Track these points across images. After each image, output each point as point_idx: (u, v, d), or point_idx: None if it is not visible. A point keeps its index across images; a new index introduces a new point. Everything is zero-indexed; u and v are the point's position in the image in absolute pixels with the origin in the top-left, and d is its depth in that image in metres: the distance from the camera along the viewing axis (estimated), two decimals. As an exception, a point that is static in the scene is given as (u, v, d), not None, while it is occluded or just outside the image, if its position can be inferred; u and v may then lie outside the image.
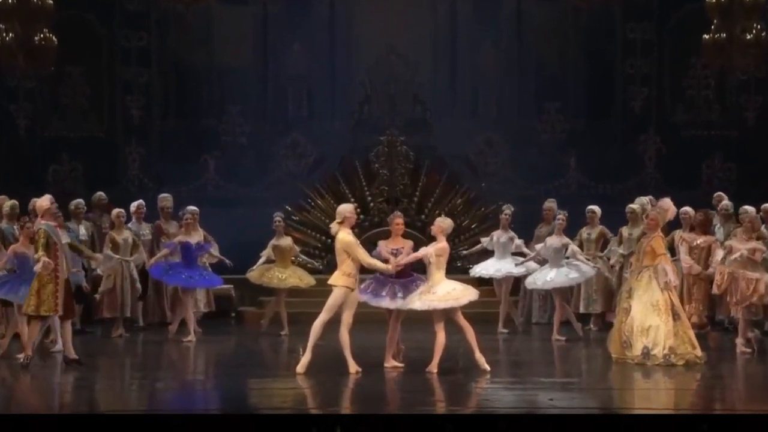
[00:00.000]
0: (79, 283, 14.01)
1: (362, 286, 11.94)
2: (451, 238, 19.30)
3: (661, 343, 11.72)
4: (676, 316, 11.87)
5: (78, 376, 11.23)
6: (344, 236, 11.42)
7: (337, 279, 11.45)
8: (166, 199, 16.36)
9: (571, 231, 15.39)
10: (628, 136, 19.93)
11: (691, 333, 12.04)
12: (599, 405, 9.72)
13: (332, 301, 11.39)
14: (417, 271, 12.12)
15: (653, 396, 10.37)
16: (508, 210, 15.62)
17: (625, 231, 15.38)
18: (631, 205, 14.87)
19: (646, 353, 11.72)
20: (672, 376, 11.13)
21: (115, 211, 15.40)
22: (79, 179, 19.26)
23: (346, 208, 11.66)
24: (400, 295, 11.78)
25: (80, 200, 15.84)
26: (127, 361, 13.04)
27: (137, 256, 15.22)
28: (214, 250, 15.37)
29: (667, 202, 12.38)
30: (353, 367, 11.26)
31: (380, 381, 10.98)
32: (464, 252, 16.35)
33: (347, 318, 11.35)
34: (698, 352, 11.89)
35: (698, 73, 19.78)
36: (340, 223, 11.56)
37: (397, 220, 12.27)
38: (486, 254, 16.05)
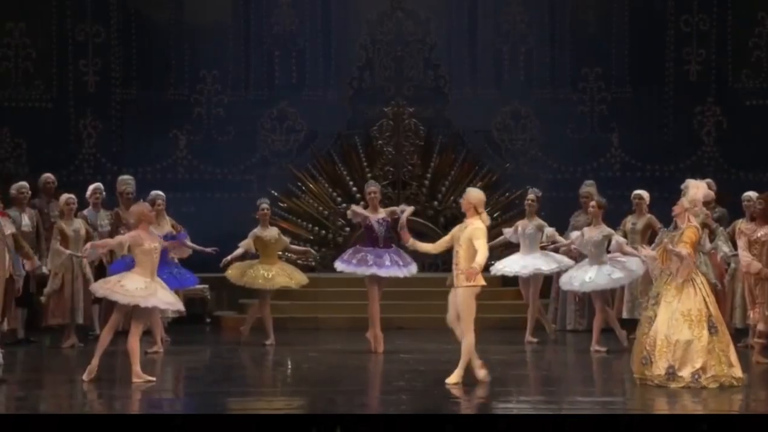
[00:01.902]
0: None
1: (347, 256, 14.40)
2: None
3: (690, 362, 11.36)
4: (712, 329, 11.44)
5: (19, 396, 11.12)
6: None
7: None
8: (126, 182, 16.26)
9: (614, 220, 15.24)
10: (682, 107, 19.83)
11: (731, 350, 11.56)
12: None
13: None
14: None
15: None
16: (532, 194, 15.52)
17: (680, 221, 15.20)
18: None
19: (671, 373, 11.39)
20: (704, 400, 10.78)
21: (64, 197, 15.28)
22: (23, 158, 19.17)
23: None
24: (400, 263, 14.36)
25: (23, 183, 15.72)
26: (79, 377, 12.93)
27: (92, 251, 15.06)
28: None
29: (691, 184, 12.01)
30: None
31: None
32: None
33: None
34: (736, 371, 11.51)
35: (767, 31, 19.64)
36: None
37: (371, 188, 14.62)
38: (511, 248, 15.94)
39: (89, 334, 15.65)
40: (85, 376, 11.81)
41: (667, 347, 11.43)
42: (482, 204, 11.77)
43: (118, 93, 19.72)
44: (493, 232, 18.77)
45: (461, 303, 11.46)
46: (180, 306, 12.27)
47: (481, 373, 11.40)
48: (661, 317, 11.52)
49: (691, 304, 11.47)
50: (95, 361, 11.84)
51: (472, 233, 11.47)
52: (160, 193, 15.23)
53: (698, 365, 11.33)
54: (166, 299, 11.87)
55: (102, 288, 11.89)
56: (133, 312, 11.83)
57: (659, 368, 11.42)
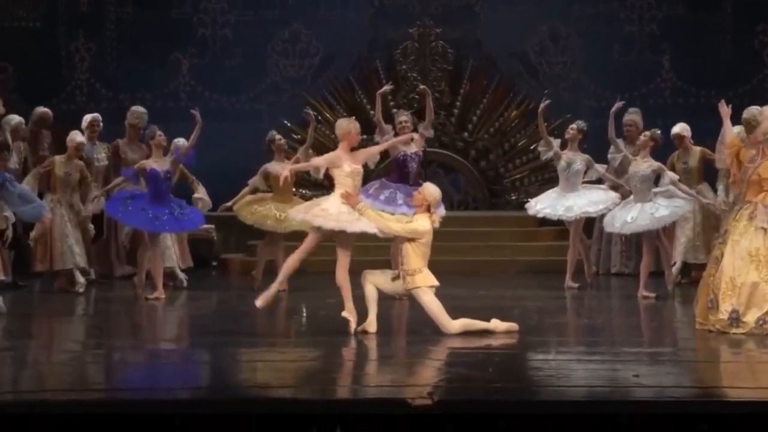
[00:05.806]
0: None
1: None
2: (503, 164, 19.54)
3: (756, 306, 11.28)
4: None
5: (5, 346, 11.13)
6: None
7: None
8: (139, 116, 16.27)
9: (664, 153, 15.16)
10: (742, 25, 19.74)
11: None
12: (698, 383, 9.67)
13: None
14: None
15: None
16: (576, 125, 15.44)
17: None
18: (746, 116, 14.54)
19: (735, 318, 11.35)
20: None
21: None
22: (10, 84, 19.20)
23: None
24: None
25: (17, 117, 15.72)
26: (74, 326, 12.97)
27: (94, 206, 15.00)
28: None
29: (766, 112, 11.89)
30: (373, 325, 11.43)
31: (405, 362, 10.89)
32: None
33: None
34: None
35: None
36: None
37: (402, 118, 14.48)
38: (551, 183, 15.89)
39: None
40: (258, 303, 11.78)
41: (731, 290, 11.39)
42: (437, 203, 11.52)
43: (114, 12, 19.76)
44: (530, 166, 18.94)
45: (424, 305, 11.31)
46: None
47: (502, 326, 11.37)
48: (727, 257, 11.47)
49: (759, 242, 11.39)
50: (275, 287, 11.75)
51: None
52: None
53: (765, 310, 11.26)
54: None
55: (300, 213, 11.66)
56: (337, 240, 11.54)
57: (723, 312, 11.40)
